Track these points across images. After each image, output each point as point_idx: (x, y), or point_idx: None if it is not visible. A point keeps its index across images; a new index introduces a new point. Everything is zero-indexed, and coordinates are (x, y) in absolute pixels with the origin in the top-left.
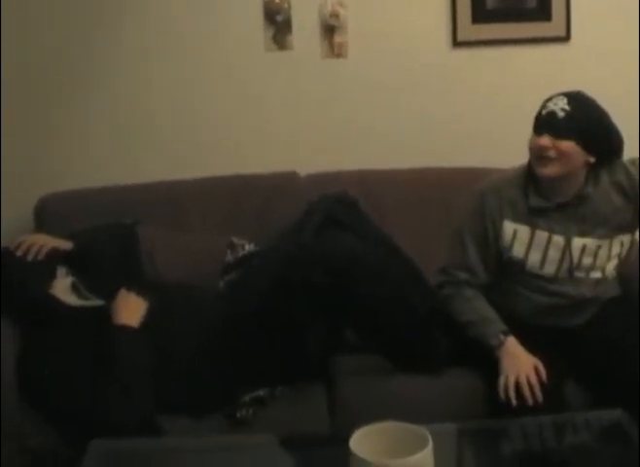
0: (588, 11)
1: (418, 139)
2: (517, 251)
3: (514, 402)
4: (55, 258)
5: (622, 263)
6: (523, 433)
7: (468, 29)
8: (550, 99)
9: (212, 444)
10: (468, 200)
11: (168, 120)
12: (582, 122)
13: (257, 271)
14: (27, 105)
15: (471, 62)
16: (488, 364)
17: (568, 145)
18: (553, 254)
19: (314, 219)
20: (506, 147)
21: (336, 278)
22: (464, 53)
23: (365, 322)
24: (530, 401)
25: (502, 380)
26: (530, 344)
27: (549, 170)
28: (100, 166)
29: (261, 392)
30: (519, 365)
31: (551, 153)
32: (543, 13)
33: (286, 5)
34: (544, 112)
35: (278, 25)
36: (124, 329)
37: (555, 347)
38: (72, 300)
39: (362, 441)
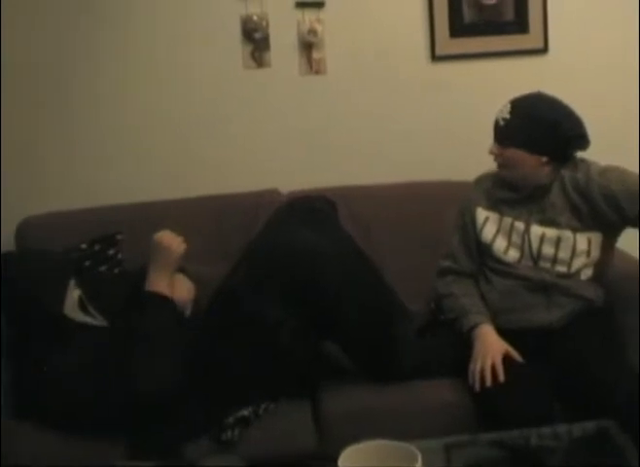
0: (566, 23)
1: (399, 154)
2: (486, 237)
3: (476, 387)
4: (68, 270)
5: (600, 269)
6: (512, 446)
7: (446, 43)
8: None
9: None
10: (453, 214)
11: (148, 138)
12: (521, 128)
13: (232, 285)
14: (9, 125)
15: (450, 76)
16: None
17: (511, 152)
18: (515, 239)
19: (286, 220)
20: (486, 159)
21: (298, 272)
22: (443, 68)
23: (333, 331)
24: (488, 382)
25: (470, 368)
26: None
27: (503, 173)
28: (82, 187)
29: (245, 412)
30: (488, 349)
31: (499, 159)
32: (520, 25)
33: (264, 22)
34: (494, 119)
35: (256, 43)
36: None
37: (533, 353)
38: (79, 317)
39: (350, 459)
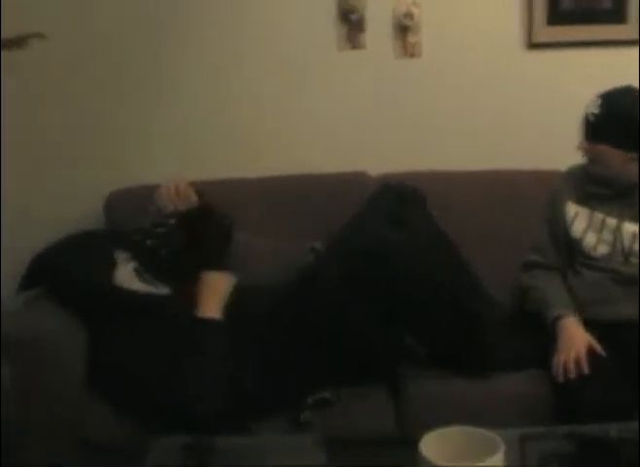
0: None
1: (491, 140)
2: (576, 231)
3: (560, 378)
4: (112, 245)
5: None
6: (590, 439)
7: (543, 31)
8: (591, 101)
9: (275, 443)
10: (537, 202)
11: (239, 117)
12: (611, 124)
13: (319, 271)
14: (98, 99)
15: (545, 64)
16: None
17: (601, 148)
18: (607, 236)
19: (375, 213)
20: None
21: (386, 282)
22: (539, 55)
23: (417, 324)
24: (572, 374)
25: (554, 360)
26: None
27: (592, 169)
28: (167, 163)
29: (325, 394)
30: (572, 341)
31: (588, 155)
32: (618, 15)
33: (360, 4)
34: (583, 115)
35: (352, 24)
36: (209, 322)
37: (619, 347)
38: (138, 286)
39: (431, 444)
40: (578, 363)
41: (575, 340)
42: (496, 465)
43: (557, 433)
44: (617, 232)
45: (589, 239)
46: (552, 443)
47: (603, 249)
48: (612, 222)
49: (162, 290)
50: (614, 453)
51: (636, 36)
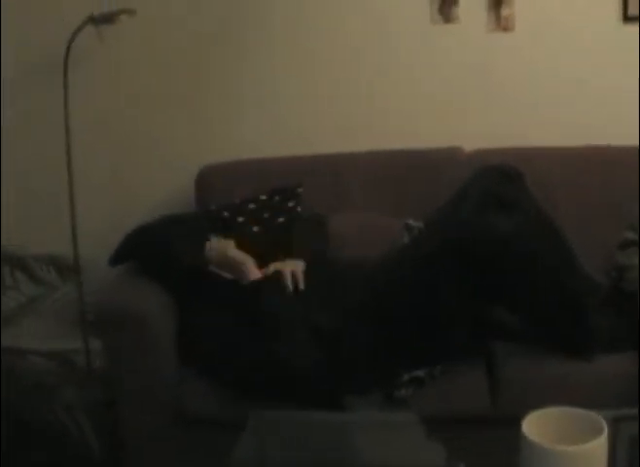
0: None
1: (583, 115)
2: None
3: None
4: (207, 229)
5: None
6: None
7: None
8: None
9: (371, 420)
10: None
11: (331, 91)
12: None
13: (417, 249)
14: (188, 74)
15: None
16: None
17: None
18: None
19: (474, 193)
20: None
21: (487, 264)
22: (634, 29)
23: (519, 305)
24: None
25: None
26: None
27: None
28: (261, 138)
29: (420, 372)
30: None
31: None
32: None
33: None
34: None
35: None
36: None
37: None
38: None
39: (532, 425)
40: None
41: None
42: (598, 447)
43: None
44: None
45: None
46: None
47: None
48: None
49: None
50: None
51: None
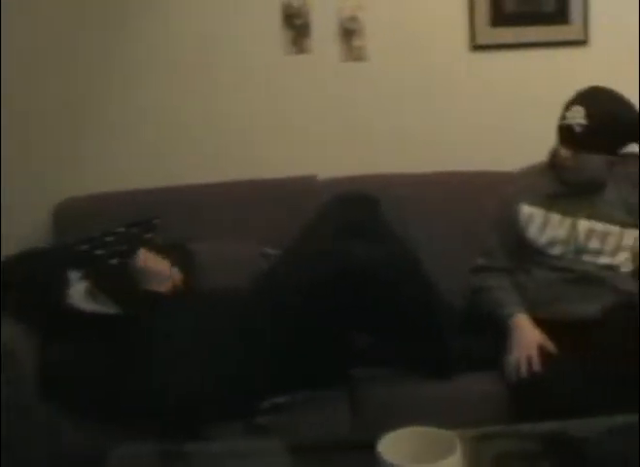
0: (607, 14)
1: (438, 142)
2: (532, 233)
3: (512, 377)
4: (66, 264)
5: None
6: (546, 437)
7: (486, 33)
8: (568, 108)
9: (233, 448)
10: (492, 204)
11: (186, 123)
12: (598, 133)
13: (276, 279)
14: (45, 109)
15: (489, 66)
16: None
17: (588, 157)
18: (562, 234)
19: (330, 222)
20: (524, 149)
21: (349, 290)
22: (482, 57)
23: (378, 330)
24: (524, 373)
25: (507, 359)
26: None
27: (570, 175)
28: (120, 170)
29: (281, 399)
30: (523, 340)
31: (569, 163)
32: (561, 16)
33: (305, 8)
34: (563, 124)
35: (297, 29)
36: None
37: (571, 344)
38: (89, 306)
39: (389, 445)
40: (530, 362)
41: (527, 338)
42: (453, 465)
43: (513, 432)
44: (572, 229)
45: (545, 239)
46: (509, 441)
47: (559, 247)
48: (567, 220)
49: (113, 310)
50: (569, 451)
51: (580, 36)
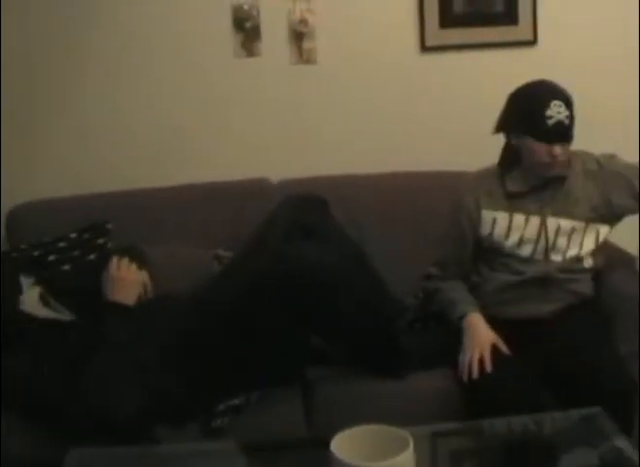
0: (555, 15)
1: (388, 143)
2: (498, 236)
3: (465, 377)
4: (17, 270)
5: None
6: (500, 434)
7: (436, 34)
8: (546, 105)
9: (190, 450)
10: (443, 204)
11: (138, 127)
12: (573, 124)
13: (226, 280)
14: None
15: (439, 67)
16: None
17: (569, 149)
18: (530, 234)
19: (279, 222)
20: (474, 149)
21: (301, 291)
22: (432, 58)
23: (329, 330)
24: (475, 374)
25: (459, 358)
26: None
27: (557, 171)
28: (70, 175)
29: (236, 400)
30: (476, 340)
31: (562, 158)
32: (510, 17)
33: (255, 12)
34: (550, 123)
35: (247, 32)
36: (118, 307)
37: (522, 342)
38: (42, 312)
39: (342, 444)
40: (481, 362)
41: (480, 338)
42: (405, 462)
43: (468, 429)
44: (542, 227)
45: (512, 240)
46: (464, 438)
47: (528, 248)
48: (535, 219)
49: (67, 316)
50: (521, 447)
51: (527, 37)
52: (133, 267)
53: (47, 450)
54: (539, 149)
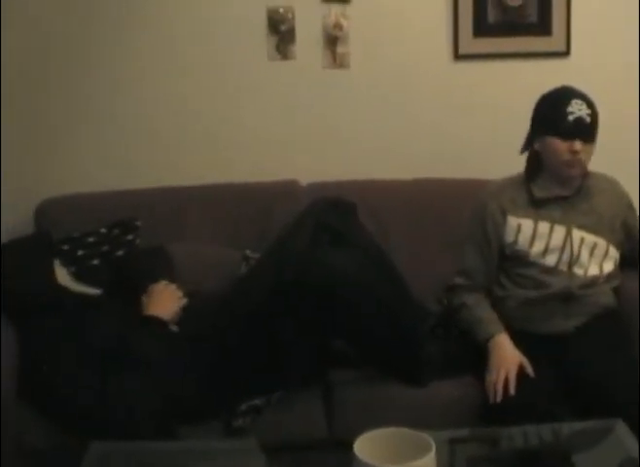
0: (588, 26)
1: (419, 150)
2: (522, 244)
3: (491, 399)
4: (50, 252)
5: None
6: (517, 441)
7: (469, 42)
8: (566, 103)
9: (210, 448)
10: (469, 211)
11: (170, 126)
12: (597, 122)
13: (252, 282)
14: (28, 109)
15: (472, 75)
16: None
17: (593, 146)
18: (555, 243)
19: (307, 225)
20: (504, 159)
21: (324, 297)
22: (465, 66)
23: (352, 335)
24: (499, 398)
25: (487, 377)
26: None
27: (577, 171)
28: (100, 171)
29: (257, 401)
30: (502, 362)
31: (582, 155)
32: (543, 27)
33: (290, 15)
34: (571, 118)
35: (282, 35)
36: (155, 321)
37: (545, 357)
38: (74, 286)
39: (365, 446)
40: (506, 384)
41: (506, 360)
42: (428, 465)
43: (485, 436)
44: (567, 236)
45: (537, 248)
46: (480, 445)
47: (553, 257)
48: (560, 228)
49: (95, 291)
50: (538, 456)
51: (561, 48)
52: (173, 286)
53: (63, 445)
54: (560, 146)
